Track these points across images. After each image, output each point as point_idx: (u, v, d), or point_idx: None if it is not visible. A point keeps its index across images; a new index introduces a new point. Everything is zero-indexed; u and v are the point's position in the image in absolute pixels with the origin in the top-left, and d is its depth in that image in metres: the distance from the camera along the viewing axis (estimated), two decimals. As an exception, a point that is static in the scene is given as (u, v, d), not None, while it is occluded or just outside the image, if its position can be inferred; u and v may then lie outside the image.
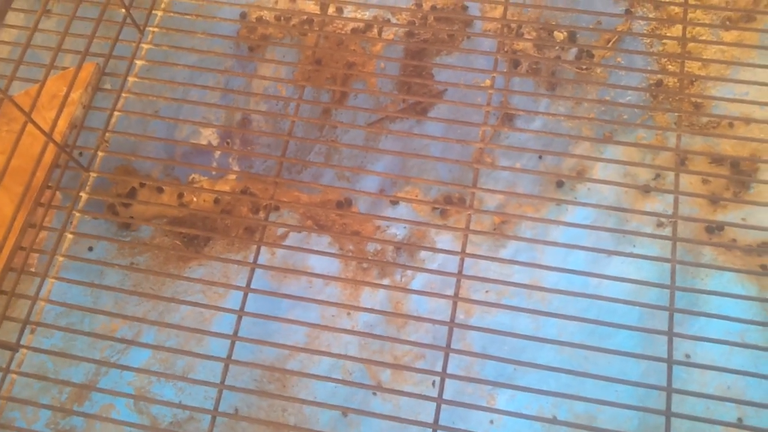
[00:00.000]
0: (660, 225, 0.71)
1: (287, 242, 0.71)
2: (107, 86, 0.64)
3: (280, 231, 0.72)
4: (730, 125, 0.75)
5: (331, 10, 0.78)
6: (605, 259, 0.69)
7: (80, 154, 0.71)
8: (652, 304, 0.58)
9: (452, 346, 0.55)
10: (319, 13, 0.77)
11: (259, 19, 0.80)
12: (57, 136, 0.57)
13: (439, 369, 0.55)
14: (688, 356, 0.65)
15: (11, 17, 0.69)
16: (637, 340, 0.65)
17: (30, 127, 0.51)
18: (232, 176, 0.75)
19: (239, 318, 0.55)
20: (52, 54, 0.51)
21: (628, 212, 0.69)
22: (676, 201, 0.61)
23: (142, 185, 0.74)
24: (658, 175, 0.73)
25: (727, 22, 0.78)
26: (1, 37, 0.74)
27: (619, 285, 0.63)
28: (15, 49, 0.73)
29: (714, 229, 0.71)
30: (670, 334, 0.54)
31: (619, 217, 0.71)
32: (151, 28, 0.65)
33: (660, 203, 0.72)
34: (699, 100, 0.75)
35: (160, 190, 0.75)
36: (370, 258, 0.70)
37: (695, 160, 0.73)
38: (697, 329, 0.66)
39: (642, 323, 0.64)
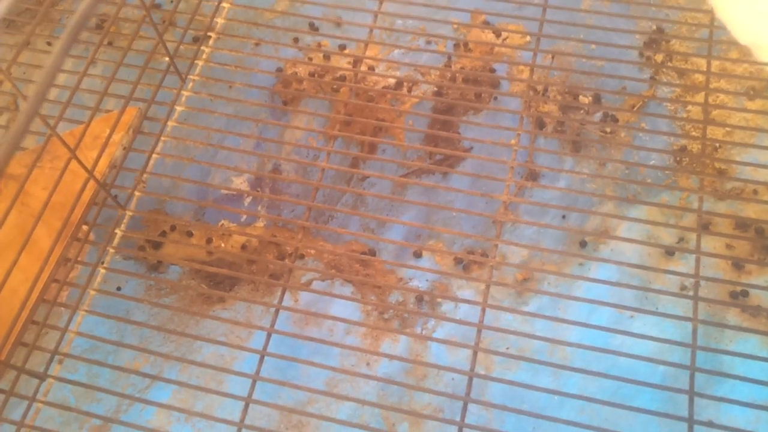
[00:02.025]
0: (683, 288, 0.71)
1: (308, 291, 0.72)
2: (146, 130, 0.67)
3: (304, 279, 0.74)
4: (755, 192, 0.75)
5: (363, 68, 0.81)
6: (628, 319, 0.69)
7: (115, 196, 0.74)
8: (674, 363, 0.58)
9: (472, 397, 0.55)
10: (351, 71, 0.81)
11: (294, 74, 0.84)
12: (97, 175, 0.59)
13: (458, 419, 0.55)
14: (711, 422, 0.64)
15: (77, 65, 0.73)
16: (660, 403, 0.64)
17: (72, 164, 0.53)
18: (261, 223, 0.77)
19: (261, 358, 0.56)
20: (98, 97, 0.54)
21: (651, 271, 0.69)
22: (697, 262, 0.62)
23: (172, 228, 0.77)
24: (681, 239, 0.74)
25: (751, 91, 0.80)
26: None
27: (642, 344, 0.63)
28: (62, 91, 0.77)
29: (738, 294, 0.71)
30: (691, 393, 0.54)
31: (642, 278, 0.72)
32: (192, 77, 0.69)
33: (683, 266, 0.73)
34: (723, 166, 0.77)
35: (189, 234, 0.77)
36: (391, 307, 0.70)
37: (719, 225, 0.74)
38: (721, 393, 0.65)
39: (665, 384, 0.63)
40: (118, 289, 0.72)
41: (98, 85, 0.68)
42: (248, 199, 0.79)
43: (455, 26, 0.86)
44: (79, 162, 0.52)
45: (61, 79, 0.78)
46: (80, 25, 0.26)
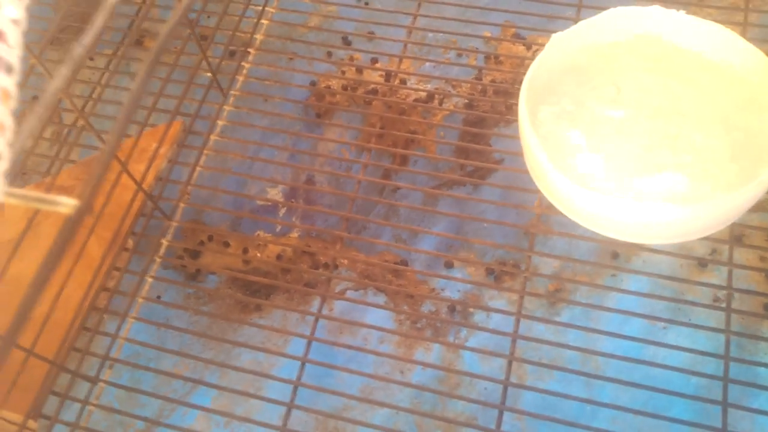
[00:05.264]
0: (716, 300, 0.74)
1: (344, 299, 0.77)
2: (189, 143, 0.71)
3: (338, 288, 0.78)
4: (789, 203, 0.78)
5: (395, 81, 0.86)
6: (661, 330, 0.72)
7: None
8: (707, 374, 0.61)
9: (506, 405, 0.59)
10: (383, 84, 0.85)
11: (328, 87, 0.88)
12: (144, 187, 0.64)
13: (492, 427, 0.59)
14: (745, 433, 0.66)
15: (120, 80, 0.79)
16: (693, 414, 0.67)
17: (122, 177, 0.58)
18: (295, 234, 0.81)
19: (302, 365, 0.60)
20: (146, 113, 0.59)
21: (683, 282, 0.72)
22: (730, 274, 0.65)
23: (210, 238, 0.81)
24: (714, 250, 0.76)
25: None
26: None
27: (675, 355, 0.66)
28: (102, 105, 0.82)
29: (772, 305, 0.74)
30: (725, 405, 0.57)
31: (675, 289, 0.74)
32: (233, 92, 0.73)
33: (716, 278, 0.75)
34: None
35: (226, 244, 0.82)
36: (424, 316, 0.74)
37: (752, 236, 0.77)
38: (756, 405, 0.67)
39: (698, 395, 0.66)
40: (158, 297, 0.77)
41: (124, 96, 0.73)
42: (283, 210, 0.83)
43: (486, 39, 0.90)
44: (130, 175, 0.56)
45: (106, 92, 0.83)
46: (161, 51, 0.30)
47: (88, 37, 0.25)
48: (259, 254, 0.81)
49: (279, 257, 0.80)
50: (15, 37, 0.21)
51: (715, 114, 0.64)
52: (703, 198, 0.57)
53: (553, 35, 0.64)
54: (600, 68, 0.68)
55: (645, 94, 0.66)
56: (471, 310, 0.74)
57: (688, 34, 0.65)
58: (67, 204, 0.23)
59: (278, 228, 0.83)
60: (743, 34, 0.74)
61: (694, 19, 0.64)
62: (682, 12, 0.65)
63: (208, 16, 0.87)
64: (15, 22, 0.21)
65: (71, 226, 0.23)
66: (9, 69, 0.20)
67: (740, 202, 0.56)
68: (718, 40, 0.64)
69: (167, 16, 0.91)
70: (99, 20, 0.28)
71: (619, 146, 0.64)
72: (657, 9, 0.65)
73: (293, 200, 0.84)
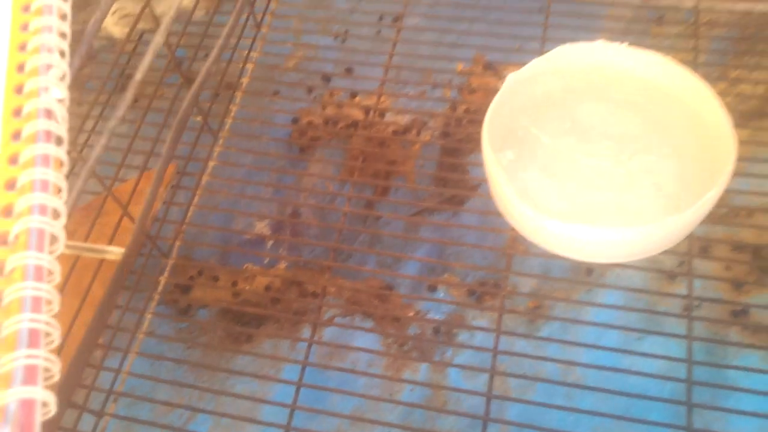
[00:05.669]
0: (686, 309, 0.79)
1: (333, 325, 0.81)
2: (182, 184, 0.75)
3: (327, 315, 0.82)
4: (750, 214, 0.84)
5: (373, 115, 0.91)
6: (636, 340, 0.77)
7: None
8: (677, 378, 0.66)
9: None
10: (363, 117, 0.90)
11: (310, 123, 0.93)
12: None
13: (479, 439, 0.63)
14: (707, 429, 0.70)
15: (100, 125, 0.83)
16: (669, 416, 0.70)
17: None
18: (283, 265, 0.85)
19: (298, 389, 0.64)
20: (144, 158, 0.63)
21: (654, 294, 0.77)
22: (690, 284, 0.70)
23: (200, 273, 0.85)
24: (682, 263, 0.82)
25: (741, 118, 0.89)
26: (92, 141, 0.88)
27: (651, 363, 0.70)
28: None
29: (739, 312, 0.79)
30: (689, 405, 0.62)
31: (647, 300, 0.79)
32: (222, 134, 0.78)
33: (685, 288, 0.80)
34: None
35: (216, 278, 0.85)
36: (411, 338, 0.78)
37: (718, 248, 0.82)
38: (731, 405, 0.71)
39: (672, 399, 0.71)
40: (155, 332, 0.80)
41: (125, 143, 0.78)
42: (270, 242, 0.88)
43: (459, 71, 0.95)
44: (131, 218, 0.60)
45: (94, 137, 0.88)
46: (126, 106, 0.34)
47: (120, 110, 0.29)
48: (248, 286, 0.84)
49: (267, 288, 0.84)
50: (62, 113, 0.25)
51: (665, 138, 0.71)
52: (655, 218, 0.62)
53: (509, 75, 0.70)
54: (554, 100, 0.74)
55: (598, 122, 0.72)
56: (455, 330, 0.79)
57: (634, 65, 0.72)
58: (114, 252, 0.27)
59: (266, 260, 0.87)
60: (695, 59, 0.80)
61: (637, 50, 0.71)
62: (625, 44, 0.71)
63: (193, 62, 0.92)
64: (61, 101, 0.25)
65: (121, 269, 0.27)
66: (59, 141, 0.25)
67: (690, 220, 0.62)
68: (661, 69, 0.71)
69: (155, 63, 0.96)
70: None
71: (575, 173, 0.70)
72: (602, 43, 0.71)
73: (280, 233, 0.88)
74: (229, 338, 0.81)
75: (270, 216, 0.82)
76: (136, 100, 0.95)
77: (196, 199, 0.74)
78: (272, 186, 0.83)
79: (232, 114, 0.80)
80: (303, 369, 0.65)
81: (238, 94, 0.81)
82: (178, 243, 0.72)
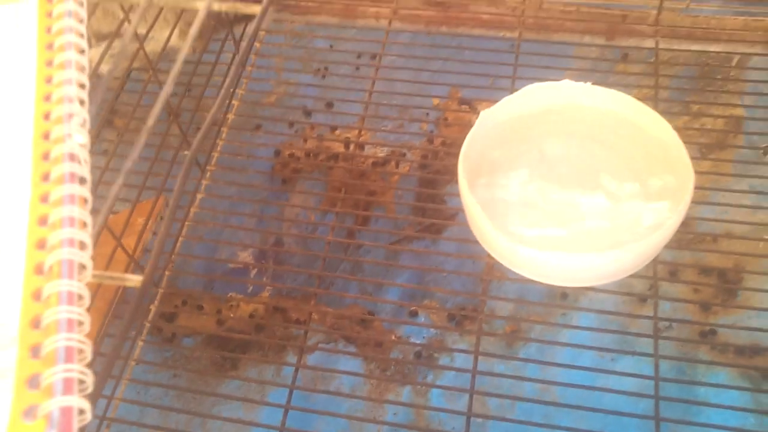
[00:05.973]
0: (657, 330, 0.83)
1: (317, 352, 0.84)
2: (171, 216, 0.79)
3: (311, 341, 0.85)
4: (714, 240, 0.88)
5: (353, 147, 0.95)
6: (609, 361, 0.81)
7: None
8: (643, 393, 0.70)
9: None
10: (343, 150, 0.94)
11: (292, 155, 0.97)
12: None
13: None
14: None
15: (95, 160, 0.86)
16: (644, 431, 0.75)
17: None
18: (266, 293, 0.88)
19: (286, 411, 0.66)
20: (137, 191, 0.66)
21: (626, 316, 0.82)
22: (655, 306, 0.74)
23: (184, 302, 0.88)
24: (651, 286, 0.86)
25: (703, 150, 0.94)
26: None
27: (626, 381, 0.74)
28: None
29: (707, 333, 0.83)
30: (657, 419, 0.66)
31: (620, 322, 0.83)
32: (209, 167, 0.82)
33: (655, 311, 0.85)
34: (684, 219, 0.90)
35: (200, 307, 0.88)
36: (393, 362, 0.82)
37: (685, 272, 0.86)
38: (704, 420, 0.75)
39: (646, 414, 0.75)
40: (144, 359, 0.83)
41: (113, 176, 0.81)
42: (254, 271, 0.91)
43: (435, 106, 1.00)
44: (124, 250, 0.63)
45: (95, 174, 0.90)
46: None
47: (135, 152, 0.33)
48: (232, 314, 0.87)
49: (252, 316, 0.87)
50: (84, 156, 0.29)
51: (630, 168, 0.76)
52: (621, 244, 0.67)
53: (482, 112, 0.75)
54: (524, 136, 0.79)
55: (564, 154, 0.77)
56: (436, 354, 0.82)
57: (597, 101, 0.77)
58: (134, 279, 0.30)
59: (250, 288, 0.90)
60: (656, 95, 0.86)
61: (599, 88, 0.76)
62: (589, 83, 0.76)
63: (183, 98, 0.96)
64: (83, 146, 0.29)
65: (140, 295, 0.30)
66: (83, 181, 0.28)
67: (653, 245, 0.67)
68: (622, 105, 0.77)
69: (140, 99, 1.00)
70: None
71: (545, 202, 0.74)
72: (568, 82, 0.76)
73: (263, 261, 0.91)
74: (214, 365, 0.83)
75: (253, 245, 0.85)
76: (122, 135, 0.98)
77: (185, 230, 0.77)
78: (256, 216, 0.86)
79: (218, 148, 0.84)
80: (290, 392, 0.68)
81: (224, 129, 0.85)
82: (167, 273, 0.75)
